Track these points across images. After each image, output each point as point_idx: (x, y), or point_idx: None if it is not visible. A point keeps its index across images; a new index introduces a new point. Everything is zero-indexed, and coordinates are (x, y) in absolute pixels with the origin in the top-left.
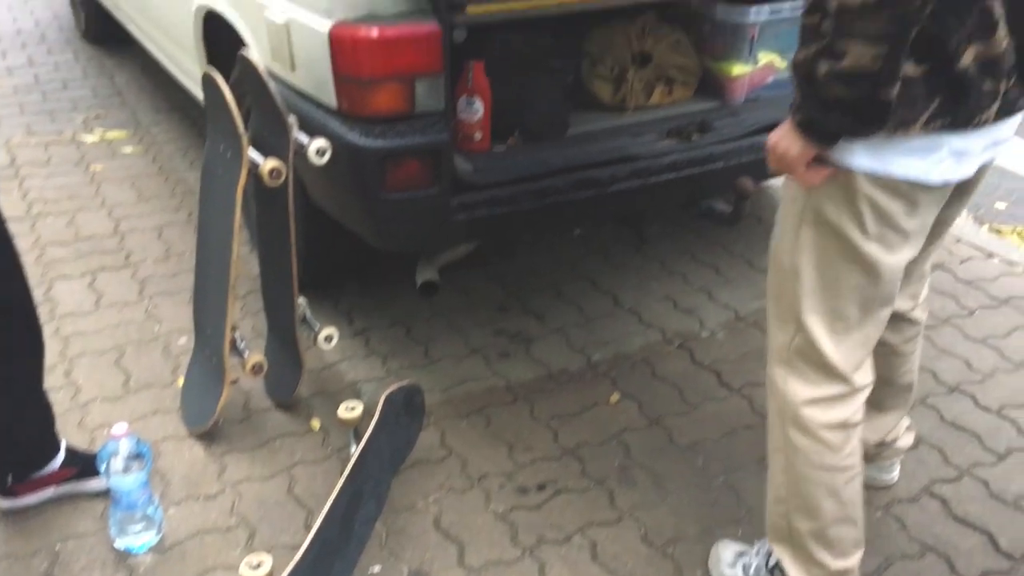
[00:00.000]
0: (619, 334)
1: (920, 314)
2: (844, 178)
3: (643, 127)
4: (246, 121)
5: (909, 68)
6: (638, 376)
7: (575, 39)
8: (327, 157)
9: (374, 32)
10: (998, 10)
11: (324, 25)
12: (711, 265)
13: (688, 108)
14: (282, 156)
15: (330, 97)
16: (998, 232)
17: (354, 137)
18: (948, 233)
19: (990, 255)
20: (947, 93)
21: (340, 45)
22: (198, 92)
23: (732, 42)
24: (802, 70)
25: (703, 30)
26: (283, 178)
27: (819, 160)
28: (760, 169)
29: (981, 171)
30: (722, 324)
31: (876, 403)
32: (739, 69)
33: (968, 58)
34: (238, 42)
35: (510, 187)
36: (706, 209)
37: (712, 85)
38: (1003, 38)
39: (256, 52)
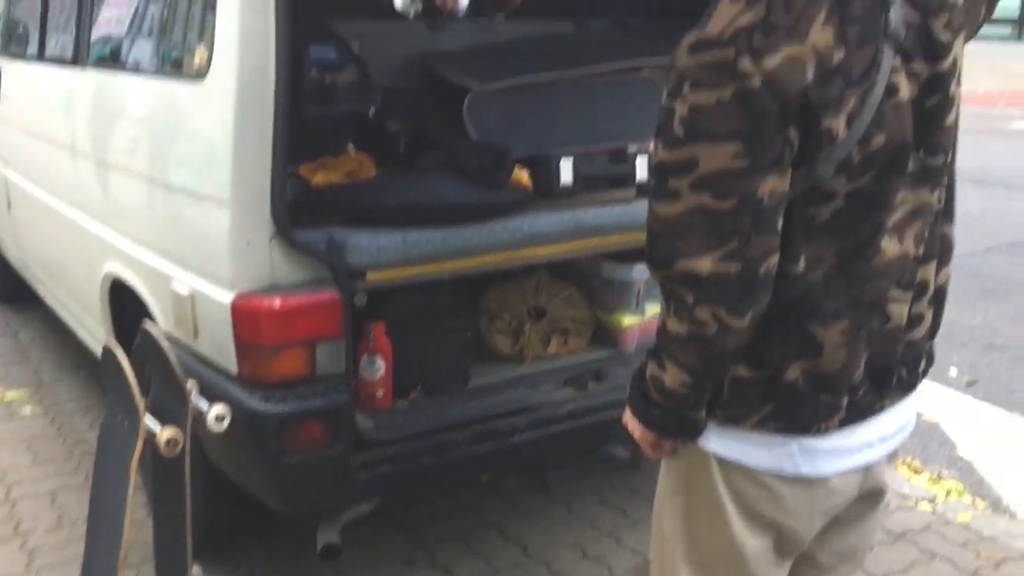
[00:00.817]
0: None
1: None
2: (702, 457)
3: (541, 377)
4: (147, 390)
5: (742, 370)
6: None
7: (473, 296)
8: (226, 424)
9: (276, 303)
10: (824, 335)
11: (227, 296)
12: (618, 508)
13: (583, 357)
14: (180, 424)
15: (231, 364)
16: None
17: (254, 402)
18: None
19: None
20: (779, 401)
21: (241, 315)
22: None
23: (620, 296)
24: (640, 364)
25: (593, 285)
26: (180, 447)
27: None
28: None
29: (874, 475)
30: (631, 570)
31: None
32: (629, 320)
33: (794, 373)
34: (143, 308)
35: (412, 443)
36: (606, 455)
37: (605, 335)
38: (836, 359)
39: (160, 319)
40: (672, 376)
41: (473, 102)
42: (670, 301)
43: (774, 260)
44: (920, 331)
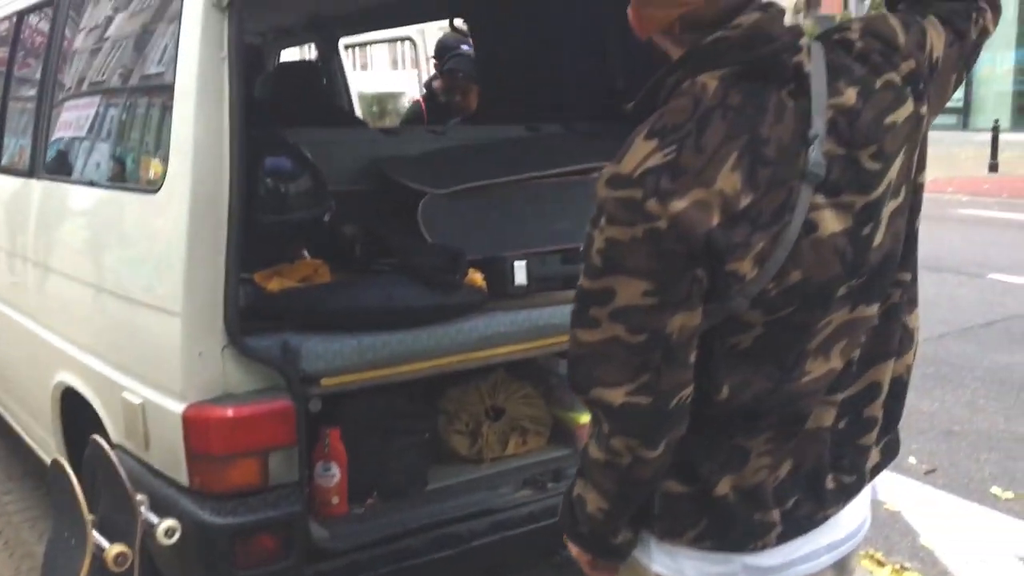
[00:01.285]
0: None
1: None
2: (643, 574)
3: (500, 478)
4: (95, 504)
5: (673, 484)
6: None
7: (430, 397)
8: (176, 538)
9: (227, 412)
10: (750, 443)
11: (178, 407)
12: None
13: (542, 457)
14: (129, 540)
15: (182, 475)
16: None
17: (205, 515)
18: None
19: None
20: (712, 516)
21: (193, 425)
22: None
23: None
24: (570, 482)
25: (550, 383)
26: (129, 563)
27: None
28: None
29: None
30: None
31: None
32: (586, 418)
33: (724, 488)
34: (94, 418)
35: (368, 551)
36: (565, 558)
37: (563, 433)
38: (760, 465)
39: (111, 429)
40: (592, 500)
41: (428, 206)
42: (594, 425)
43: (686, 392)
44: (872, 435)
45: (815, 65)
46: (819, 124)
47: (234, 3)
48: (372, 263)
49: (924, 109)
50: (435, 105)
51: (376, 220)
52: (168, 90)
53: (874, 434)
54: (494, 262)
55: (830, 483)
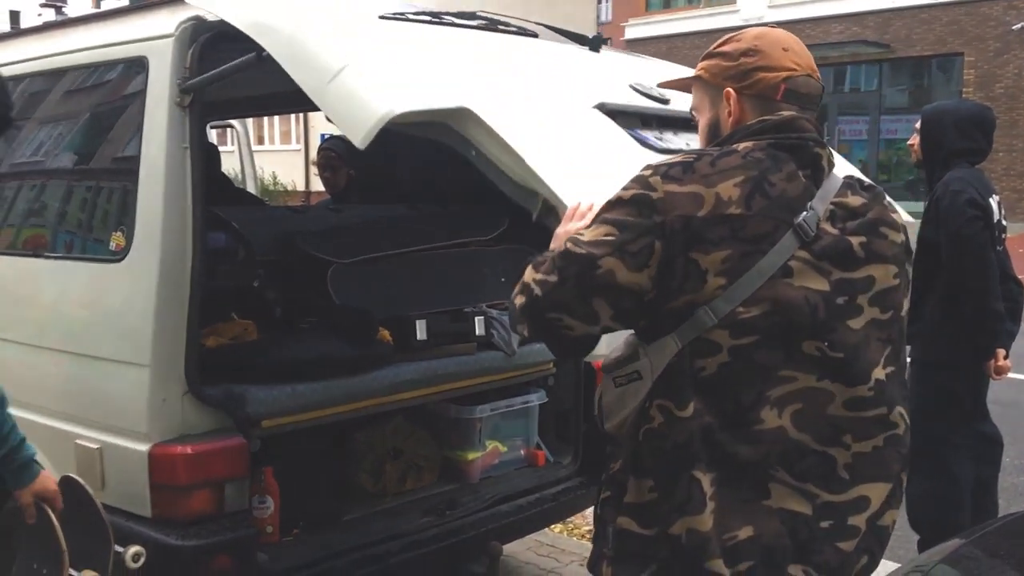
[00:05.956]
0: None
1: None
2: None
3: (404, 508)
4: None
5: (630, 524)
6: None
7: (342, 441)
8: (141, 562)
9: (189, 450)
10: (704, 481)
11: (143, 447)
12: None
13: (436, 490)
14: (100, 568)
15: (145, 507)
16: None
17: (171, 539)
18: None
19: None
20: (662, 561)
21: (158, 462)
22: None
23: (464, 434)
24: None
25: (440, 427)
26: None
27: None
28: (503, 533)
29: None
30: None
31: None
32: (473, 455)
33: (680, 528)
34: None
35: (303, 572)
36: (467, 572)
37: (454, 469)
38: (711, 513)
39: (56, 475)
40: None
41: (335, 273)
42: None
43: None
44: (854, 543)
45: (832, 176)
46: (819, 206)
47: (193, 103)
48: (292, 323)
49: (907, 266)
50: None
51: (290, 286)
52: (131, 174)
53: (855, 543)
54: (399, 320)
55: (796, 572)
